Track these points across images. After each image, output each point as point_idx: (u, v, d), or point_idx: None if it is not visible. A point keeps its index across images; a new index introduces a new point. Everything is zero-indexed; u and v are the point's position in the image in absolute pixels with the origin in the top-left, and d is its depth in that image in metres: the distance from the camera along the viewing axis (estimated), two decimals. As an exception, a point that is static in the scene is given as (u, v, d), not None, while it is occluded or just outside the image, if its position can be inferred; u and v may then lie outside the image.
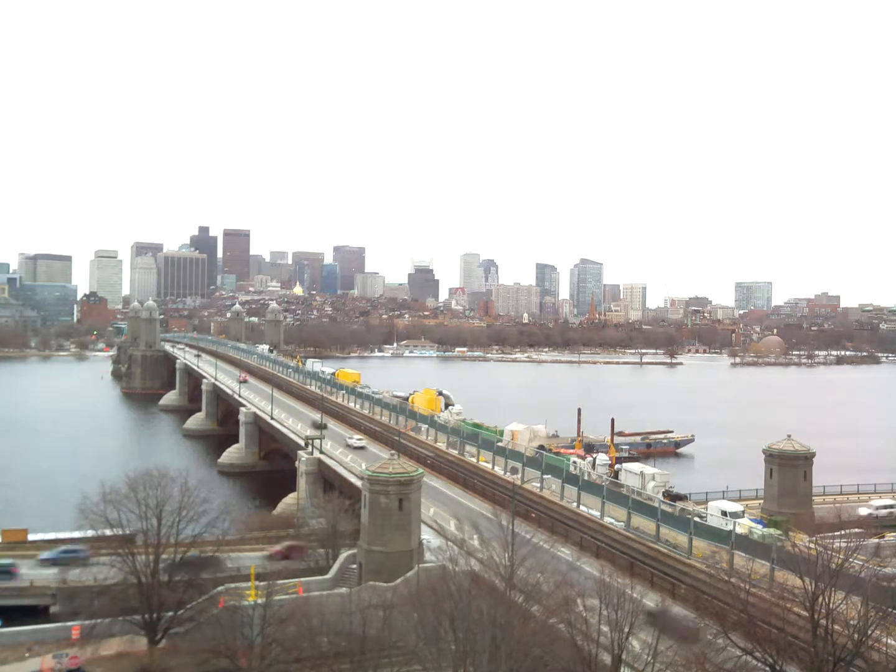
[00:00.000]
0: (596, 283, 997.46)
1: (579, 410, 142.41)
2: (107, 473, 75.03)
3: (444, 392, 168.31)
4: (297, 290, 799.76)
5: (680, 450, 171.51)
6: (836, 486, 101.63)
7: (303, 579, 65.55)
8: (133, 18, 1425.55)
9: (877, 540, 71.60)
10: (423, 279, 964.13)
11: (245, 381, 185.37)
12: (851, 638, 40.20)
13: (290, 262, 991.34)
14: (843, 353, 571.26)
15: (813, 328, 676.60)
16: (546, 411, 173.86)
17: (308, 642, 50.21)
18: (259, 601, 52.19)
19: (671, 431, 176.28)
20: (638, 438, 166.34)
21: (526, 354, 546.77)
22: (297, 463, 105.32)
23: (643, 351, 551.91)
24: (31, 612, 65.45)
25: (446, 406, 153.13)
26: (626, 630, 41.47)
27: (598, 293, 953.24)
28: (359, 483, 75.11)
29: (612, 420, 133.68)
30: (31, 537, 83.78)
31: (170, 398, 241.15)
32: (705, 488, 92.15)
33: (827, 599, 40.75)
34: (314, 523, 78.76)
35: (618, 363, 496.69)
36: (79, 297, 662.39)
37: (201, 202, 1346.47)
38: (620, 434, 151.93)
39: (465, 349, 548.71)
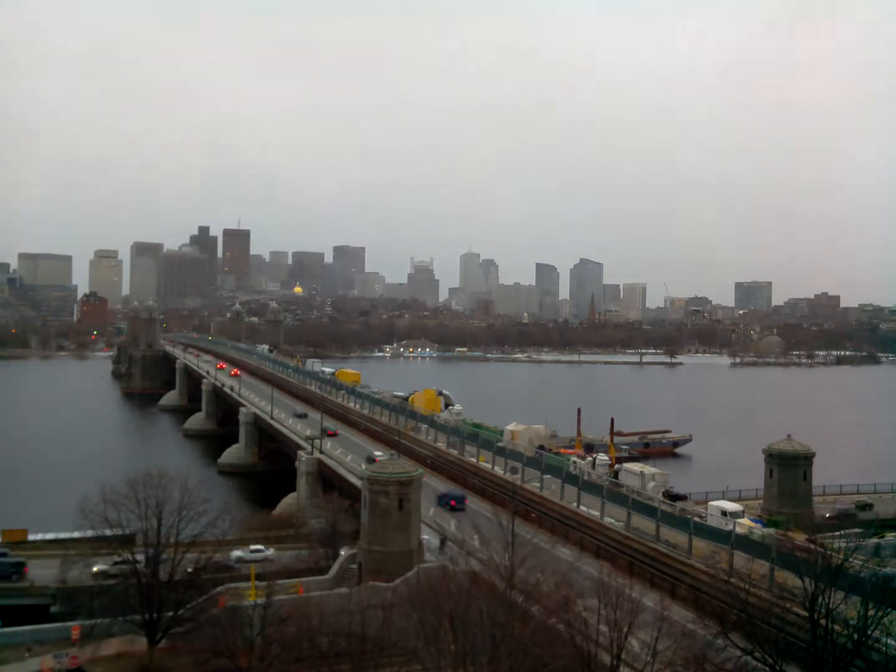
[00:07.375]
0: (596, 283, 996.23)
1: (579, 410, 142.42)
2: (107, 473, 74.83)
3: (444, 392, 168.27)
4: (297, 290, 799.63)
5: (678, 449, 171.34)
6: (836, 486, 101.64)
7: (303, 579, 65.56)
8: (134, 12, 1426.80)
9: (877, 540, 71.62)
10: (423, 279, 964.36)
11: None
12: (851, 638, 40.24)
13: (290, 262, 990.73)
14: (842, 353, 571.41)
15: (813, 328, 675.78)
16: (546, 411, 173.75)
17: (308, 642, 50.15)
18: (259, 601, 52.17)
19: (669, 431, 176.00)
20: (636, 438, 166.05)
21: (526, 354, 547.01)
22: (296, 463, 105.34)
23: (643, 351, 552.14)
24: (31, 612, 65.30)
25: (446, 406, 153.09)
26: (625, 630, 41.48)
27: (598, 293, 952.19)
28: (359, 483, 75.12)
29: (612, 420, 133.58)
30: (31, 537, 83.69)
31: (170, 398, 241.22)
32: (705, 488, 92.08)
33: (827, 599, 40.77)
34: (314, 523, 78.73)
35: (618, 363, 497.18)
36: (79, 297, 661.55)
37: (201, 202, 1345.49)
38: (619, 434, 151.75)
39: (465, 349, 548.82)
